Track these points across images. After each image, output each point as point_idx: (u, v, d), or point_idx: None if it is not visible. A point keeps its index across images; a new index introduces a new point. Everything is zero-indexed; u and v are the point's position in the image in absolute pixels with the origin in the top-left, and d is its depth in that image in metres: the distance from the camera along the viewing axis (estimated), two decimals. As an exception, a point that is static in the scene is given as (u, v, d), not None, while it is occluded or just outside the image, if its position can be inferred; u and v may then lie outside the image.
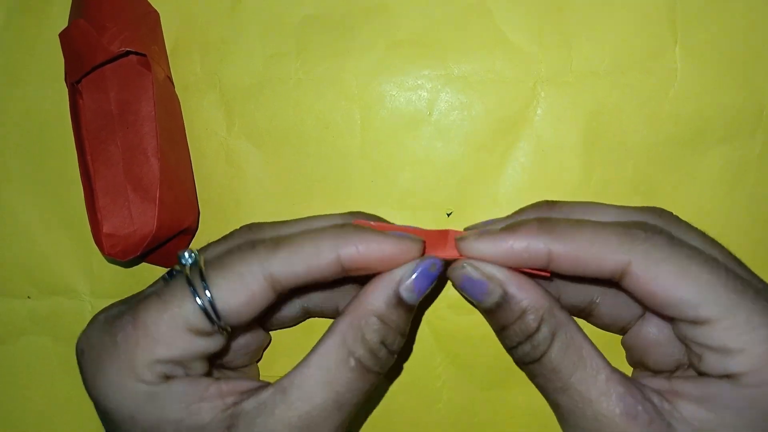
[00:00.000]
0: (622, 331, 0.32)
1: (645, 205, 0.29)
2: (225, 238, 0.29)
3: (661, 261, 0.24)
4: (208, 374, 0.27)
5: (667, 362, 0.29)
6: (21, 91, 0.38)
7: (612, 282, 0.25)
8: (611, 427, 0.24)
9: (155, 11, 0.36)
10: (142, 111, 0.36)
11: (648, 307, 0.26)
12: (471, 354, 0.37)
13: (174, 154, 0.35)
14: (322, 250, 0.25)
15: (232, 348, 0.31)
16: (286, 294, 0.26)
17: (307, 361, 0.26)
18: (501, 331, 0.27)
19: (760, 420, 0.23)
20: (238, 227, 0.30)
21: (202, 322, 0.25)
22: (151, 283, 0.38)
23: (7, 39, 0.38)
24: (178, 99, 0.37)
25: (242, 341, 0.32)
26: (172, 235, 0.35)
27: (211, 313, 0.24)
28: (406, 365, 0.38)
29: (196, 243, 0.38)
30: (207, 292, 0.24)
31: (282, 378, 0.26)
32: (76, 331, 0.39)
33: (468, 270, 0.26)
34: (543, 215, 0.28)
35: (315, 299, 0.33)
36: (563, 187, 0.36)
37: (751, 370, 0.23)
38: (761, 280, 0.27)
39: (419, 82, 0.36)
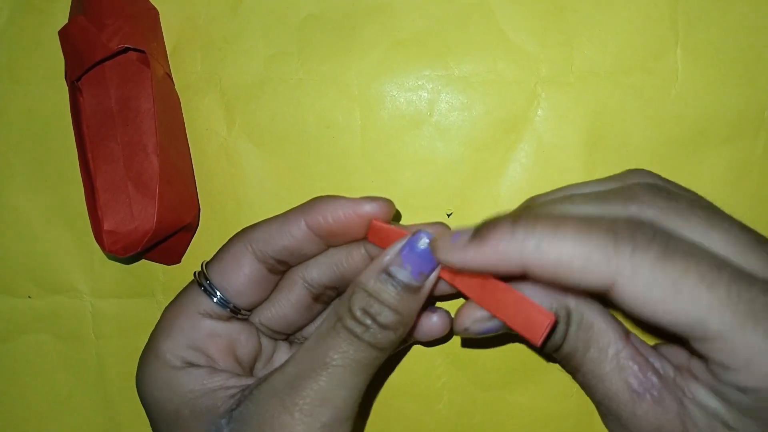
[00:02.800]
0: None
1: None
2: None
3: (650, 281, 0.21)
4: (239, 373, 0.29)
5: None
6: (23, 89, 0.38)
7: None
8: (620, 405, 0.24)
9: (154, 8, 0.36)
10: (142, 108, 0.36)
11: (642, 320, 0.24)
12: (471, 355, 0.37)
13: (174, 150, 0.35)
14: (289, 217, 0.28)
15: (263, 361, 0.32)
16: (279, 268, 0.29)
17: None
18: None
19: None
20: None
21: (209, 305, 0.29)
22: (151, 282, 0.39)
23: (9, 37, 0.38)
24: (177, 96, 0.37)
25: (270, 354, 0.32)
26: (172, 232, 0.35)
27: (207, 288, 0.28)
28: (406, 366, 0.38)
29: (197, 242, 0.38)
30: (203, 275, 0.29)
31: None
32: (77, 330, 0.40)
33: (474, 329, 0.26)
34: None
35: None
36: (564, 187, 0.36)
37: (752, 388, 0.21)
38: None
39: (420, 83, 0.36)
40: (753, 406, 0.21)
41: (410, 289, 0.26)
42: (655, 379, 0.24)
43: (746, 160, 0.35)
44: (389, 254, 0.26)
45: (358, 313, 0.26)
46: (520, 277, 0.23)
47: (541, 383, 0.37)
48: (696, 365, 0.24)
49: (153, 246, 0.36)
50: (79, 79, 0.35)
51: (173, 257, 0.38)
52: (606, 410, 0.25)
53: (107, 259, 0.39)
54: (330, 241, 0.29)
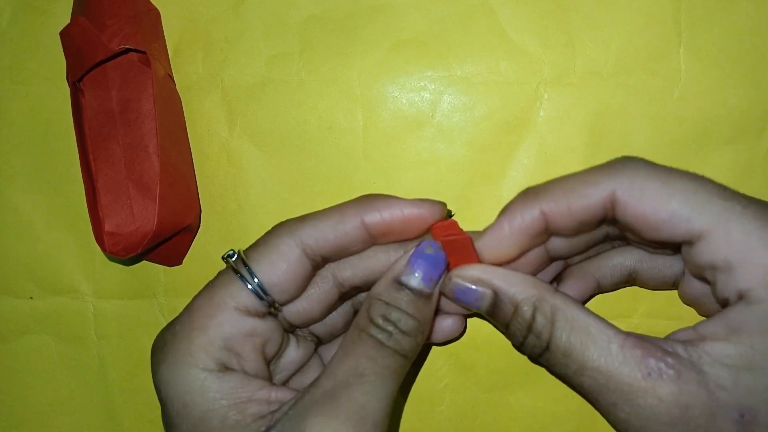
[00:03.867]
0: (674, 286, 0.31)
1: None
2: None
3: (644, 181, 0.24)
4: (266, 378, 0.28)
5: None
6: (24, 89, 0.38)
7: (618, 228, 0.26)
8: (639, 393, 0.23)
9: (156, 9, 0.36)
10: (143, 109, 0.36)
11: (647, 238, 0.25)
12: (473, 356, 0.37)
13: (175, 151, 0.35)
14: (346, 214, 0.27)
15: (285, 363, 0.31)
16: (321, 265, 0.29)
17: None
18: (506, 331, 0.28)
19: None
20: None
21: (250, 300, 0.27)
22: (152, 283, 0.39)
23: (11, 37, 0.38)
24: (179, 97, 0.37)
25: (295, 355, 0.31)
26: (173, 233, 0.35)
27: (253, 285, 0.27)
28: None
29: (199, 244, 0.38)
30: (248, 269, 0.27)
31: None
32: (78, 331, 0.40)
33: (455, 281, 0.28)
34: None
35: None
36: (567, 188, 0.36)
37: (757, 283, 0.22)
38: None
39: (422, 83, 0.36)
40: (759, 320, 0.22)
41: (423, 296, 0.27)
42: (668, 358, 0.24)
43: (749, 161, 0.35)
44: (400, 264, 0.27)
45: (380, 321, 0.26)
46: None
47: (543, 384, 0.37)
48: (704, 327, 0.24)
49: (154, 247, 0.36)
50: (80, 79, 0.35)
51: (174, 258, 0.38)
52: (622, 409, 0.24)
53: (108, 260, 0.39)
54: (380, 239, 0.29)
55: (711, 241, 0.23)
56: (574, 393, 0.36)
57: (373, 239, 0.28)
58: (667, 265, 0.31)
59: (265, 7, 0.37)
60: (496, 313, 0.27)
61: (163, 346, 0.27)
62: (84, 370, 0.40)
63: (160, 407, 0.27)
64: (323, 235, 0.27)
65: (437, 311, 0.30)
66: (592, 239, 0.29)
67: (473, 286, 0.27)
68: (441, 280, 0.28)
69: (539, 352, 0.26)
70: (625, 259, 0.31)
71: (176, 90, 0.37)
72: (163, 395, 0.27)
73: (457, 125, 0.36)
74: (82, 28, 0.32)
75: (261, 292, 0.27)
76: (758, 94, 0.34)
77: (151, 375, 0.27)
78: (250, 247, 0.28)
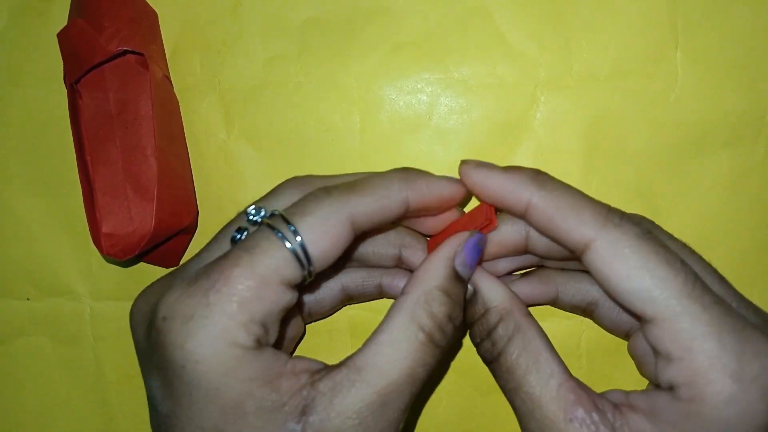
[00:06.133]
0: (626, 336, 0.32)
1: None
2: (273, 192, 0.29)
3: (624, 248, 0.24)
4: (281, 347, 0.28)
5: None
6: (22, 91, 0.38)
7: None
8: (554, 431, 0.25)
9: (153, 11, 0.36)
10: (141, 110, 0.36)
11: (606, 292, 0.26)
12: (470, 359, 0.37)
13: (172, 153, 0.35)
14: (392, 190, 0.27)
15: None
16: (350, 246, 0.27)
17: (376, 338, 0.25)
18: (470, 327, 0.29)
19: None
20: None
21: (294, 273, 0.24)
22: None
23: (9, 39, 0.38)
24: (176, 99, 0.37)
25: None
26: (170, 235, 0.35)
27: (302, 257, 0.24)
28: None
29: (196, 246, 0.38)
30: (297, 237, 0.24)
31: (352, 357, 0.25)
32: (75, 332, 0.40)
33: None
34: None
35: (356, 278, 0.34)
36: (563, 191, 0.36)
37: (685, 382, 0.23)
38: (741, 299, 0.27)
39: (419, 86, 0.36)
40: (678, 413, 0.23)
41: (464, 283, 0.28)
42: (595, 414, 0.25)
43: (746, 164, 0.35)
44: (460, 256, 0.28)
45: (443, 321, 0.26)
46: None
47: (540, 387, 0.37)
48: (634, 397, 0.25)
49: (151, 249, 0.36)
50: (78, 81, 0.35)
51: (172, 260, 0.38)
52: None
53: (105, 261, 0.39)
54: (414, 214, 0.29)
55: (659, 329, 0.24)
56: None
57: (408, 214, 0.28)
58: (625, 314, 0.31)
59: (262, 9, 0.37)
60: (468, 308, 0.29)
61: (190, 318, 0.23)
62: (81, 372, 0.40)
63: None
64: (370, 210, 0.26)
65: None
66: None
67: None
68: None
69: (490, 359, 0.28)
70: (592, 288, 0.32)
71: (174, 92, 0.37)
72: (188, 378, 0.23)
73: (453, 128, 0.36)
74: (79, 30, 0.32)
75: (307, 265, 0.25)
76: (755, 97, 0.35)
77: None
78: (291, 212, 0.25)
